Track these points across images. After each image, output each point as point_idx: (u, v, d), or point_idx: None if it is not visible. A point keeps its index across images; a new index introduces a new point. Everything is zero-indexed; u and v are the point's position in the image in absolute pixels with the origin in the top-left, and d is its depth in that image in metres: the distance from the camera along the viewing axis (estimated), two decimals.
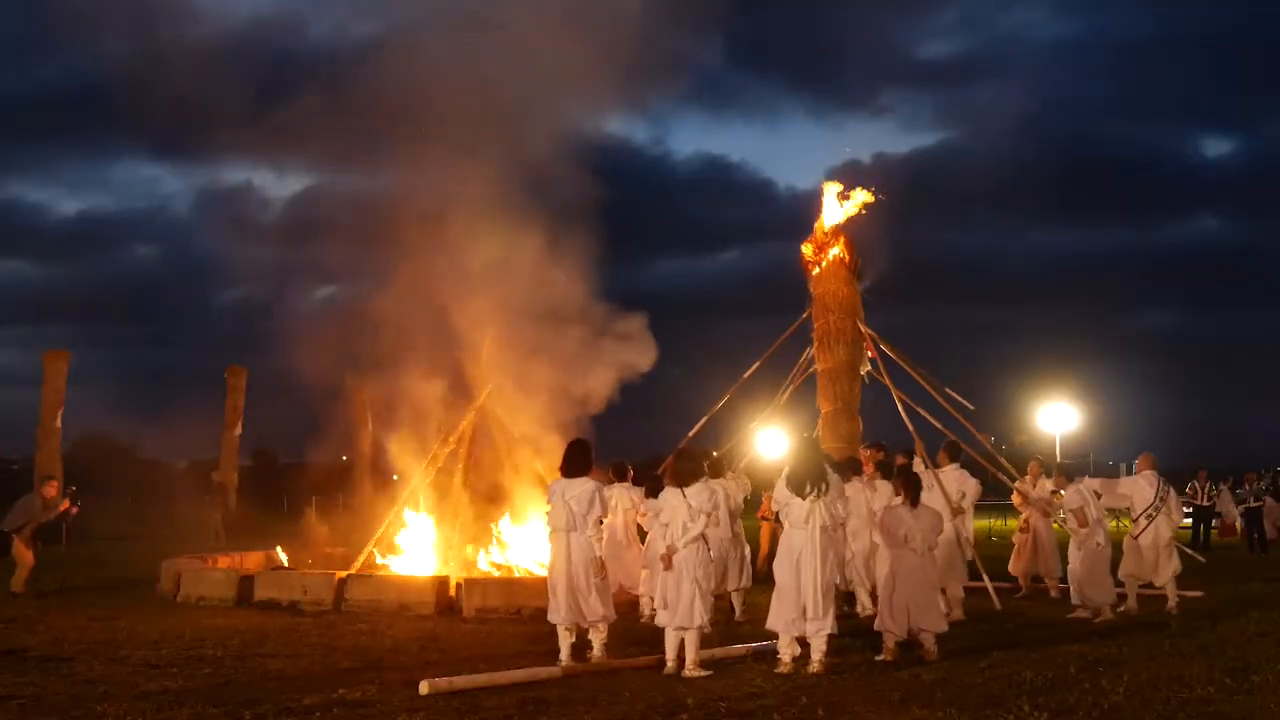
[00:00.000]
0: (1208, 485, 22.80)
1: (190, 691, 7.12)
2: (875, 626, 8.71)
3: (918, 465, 11.78)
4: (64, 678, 7.66)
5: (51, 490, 13.67)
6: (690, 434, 14.35)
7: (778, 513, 8.34)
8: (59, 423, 25.53)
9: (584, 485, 8.39)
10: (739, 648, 8.69)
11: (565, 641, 8.29)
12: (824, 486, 7.99)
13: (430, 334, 14.07)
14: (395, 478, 15.55)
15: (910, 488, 8.95)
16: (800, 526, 7.96)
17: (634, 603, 10.92)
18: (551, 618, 8.36)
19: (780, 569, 8.04)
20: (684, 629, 7.84)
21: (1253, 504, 22.26)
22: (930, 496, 10.68)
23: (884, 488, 11.25)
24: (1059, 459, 32.87)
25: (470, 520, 13.55)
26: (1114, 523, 14.30)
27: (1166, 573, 11.57)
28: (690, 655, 7.82)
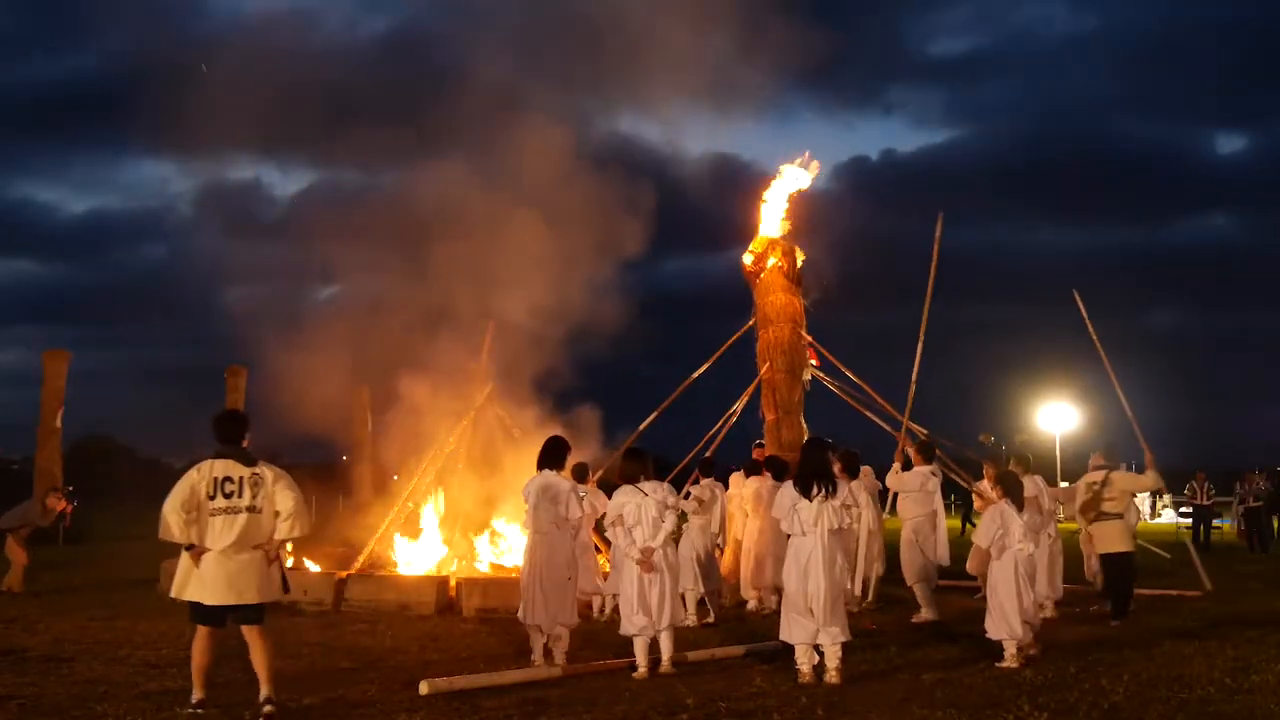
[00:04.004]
0: (1206, 485, 22.78)
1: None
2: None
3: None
4: (64, 678, 7.66)
5: (54, 502, 13.59)
6: (630, 439, 13.91)
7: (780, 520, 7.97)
8: (59, 423, 25.42)
9: (561, 483, 8.31)
10: (738, 648, 8.68)
11: (538, 642, 8.23)
12: (831, 487, 7.70)
13: (432, 333, 14.06)
14: (395, 478, 15.52)
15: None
16: (810, 530, 7.63)
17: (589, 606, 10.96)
18: (523, 618, 8.26)
19: (789, 577, 7.71)
20: (670, 628, 7.83)
21: (1252, 504, 22.23)
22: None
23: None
24: (1058, 459, 32.91)
25: (470, 519, 13.53)
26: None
27: None
28: (668, 653, 7.83)
